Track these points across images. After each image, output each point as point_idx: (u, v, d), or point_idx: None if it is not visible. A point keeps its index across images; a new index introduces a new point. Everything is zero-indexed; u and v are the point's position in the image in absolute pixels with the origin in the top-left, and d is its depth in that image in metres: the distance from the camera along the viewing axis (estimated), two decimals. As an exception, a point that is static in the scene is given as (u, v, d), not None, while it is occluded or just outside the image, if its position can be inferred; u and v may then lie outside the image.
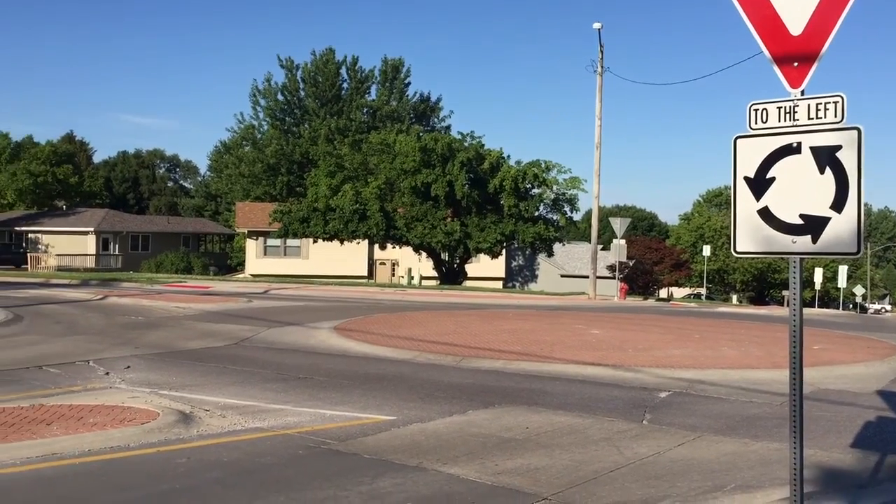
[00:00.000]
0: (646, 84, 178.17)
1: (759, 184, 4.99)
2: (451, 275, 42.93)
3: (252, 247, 54.75)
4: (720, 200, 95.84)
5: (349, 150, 43.94)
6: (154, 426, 7.71)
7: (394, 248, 46.30)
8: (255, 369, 11.69)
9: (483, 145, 41.77)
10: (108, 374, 11.02)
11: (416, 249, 42.13)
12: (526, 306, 26.67)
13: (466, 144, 41.28)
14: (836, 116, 4.74)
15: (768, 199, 4.95)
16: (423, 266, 47.55)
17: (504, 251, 47.17)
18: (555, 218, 41.99)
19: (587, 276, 38.15)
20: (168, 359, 12.60)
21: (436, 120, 73.50)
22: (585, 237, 79.67)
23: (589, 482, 6.34)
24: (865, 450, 7.58)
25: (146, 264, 54.42)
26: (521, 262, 63.98)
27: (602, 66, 34.43)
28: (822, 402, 10.06)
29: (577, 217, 47.36)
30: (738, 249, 5.13)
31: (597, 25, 33.54)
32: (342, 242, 42.15)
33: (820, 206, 4.77)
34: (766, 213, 4.96)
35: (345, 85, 71.13)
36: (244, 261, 57.55)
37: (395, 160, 40.05)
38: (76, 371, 11.26)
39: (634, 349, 14.34)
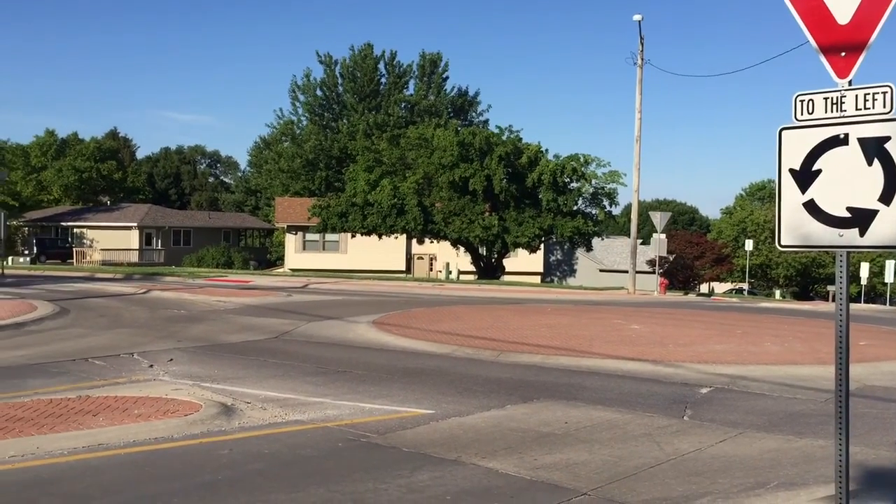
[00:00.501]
0: (687, 76, 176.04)
1: (805, 176, 4.90)
2: (488, 269, 42.86)
3: (291, 241, 55.23)
4: (763, 194, 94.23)
5: (387, 145, 44.00)
6: (197, 418, 7.83)
7: (432, 242, 46.40)
8: (295, 363, 11.80)
9: (521, 139, 41.60)
10: (151, 366, 11.22)
11: (454, 244, 42.11)
12: (564, 301, 26.54)
13: (504, 139, 41.12)
14: (884, 107, 4.63)
15: (814, 192, 4.86)
16: (461, 261, 47.54)
17: (542, 246, 46.92)
18: (594, 212, 41.65)
19: (626, 271, 37.80)
20: (210, 352, 12.77)
21: (474, 114, 73.39)
22: (625, 232, 78.97)
23: (629, 478, 6.29)
24: (914, 448, 7.42)
25: (188, 259, 55.24)
26: (559, 256, 63.70)
27: (642, 59, 34.04)
28: (868, 399, 9.87)
29: (616, 211, 46.87)
30: (783, 243, 5.05)
31: (637, 17, 33.14)
32: (380, 237, 42.30)
33: (868, 198, 4.66)
34: (811, 206, 4.87)
35: (383, 80, 71.35)
36: (284, 255, 58.09)
37: (433, 155, 40.06)
38: (121, 363, 11.48)
39: (675, 344, 14.20)
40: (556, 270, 63.32)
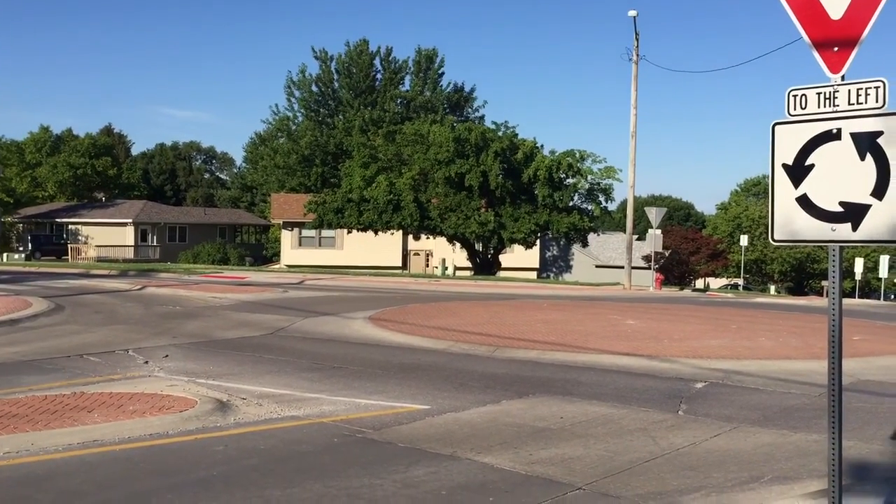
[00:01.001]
0: (682, 72, 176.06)
1: (798, 171, 4.91)
2: (485, 265, 42.90)
3: (287, 238, 55.20)
4: (758, 190, 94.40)
5: (383, 140, 43.98)
6: (192, 414, 7.83)
7: (428, 238, 46.34)
8: (291, 358, 11.81)
9: (517, 135, 41.63)
10: (146, 362, 11.21)
11: (450, 240, 42.14)
12: (560, 297, 26.57)
13: (500, 134, 41.14)
14: (877, 102, 4.65)
15: (807, 187, 4.88)
16: (458, 256, 47.57)
17: (538, 241, 46.97)
18: (589, 208, 41.70)
19: (622, 267, 37.88)
20: (205, 348, 12.77)
21: (469, 110, 73.32)
22: (620, 227, 79.06)
23: (624, 472, 6.31)
24: (907, 442, 7.45)
25: (183, 255, 55.19)
26: (555, 252, 63.72)
27: (637, 55, 34.06)
28: (862, 394, 9.91)
29: (612, 207, 46.88)
30: (776, 238, 5.06)
31: (632, 13, 33.16)
32: (376, 233, 42.31)
33: (860, 193, 4.68)
34: (804, 201, 4.88)
35: (378, 76, 71.28)
36: (280, 251, 58.06)
37: (428, 151, 40.06)
38: (116, 360, 11.47)
39: (670, 339, 14.23)
40: (553, 266, 63.36)
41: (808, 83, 4.91)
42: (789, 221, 4.96)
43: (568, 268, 63.45)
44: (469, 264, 44.44)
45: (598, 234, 50.84)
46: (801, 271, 69.36)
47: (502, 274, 43.57)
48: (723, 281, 68.80)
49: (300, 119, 72.13)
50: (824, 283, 61.37)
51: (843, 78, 4.79)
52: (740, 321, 18.33)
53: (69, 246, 57.58)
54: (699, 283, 63.52)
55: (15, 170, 70.73)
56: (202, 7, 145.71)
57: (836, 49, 4.78)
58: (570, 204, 40.42)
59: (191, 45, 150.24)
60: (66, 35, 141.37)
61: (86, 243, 58.71)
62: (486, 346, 13.12)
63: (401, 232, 45.26)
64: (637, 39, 34.12)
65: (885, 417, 8.62)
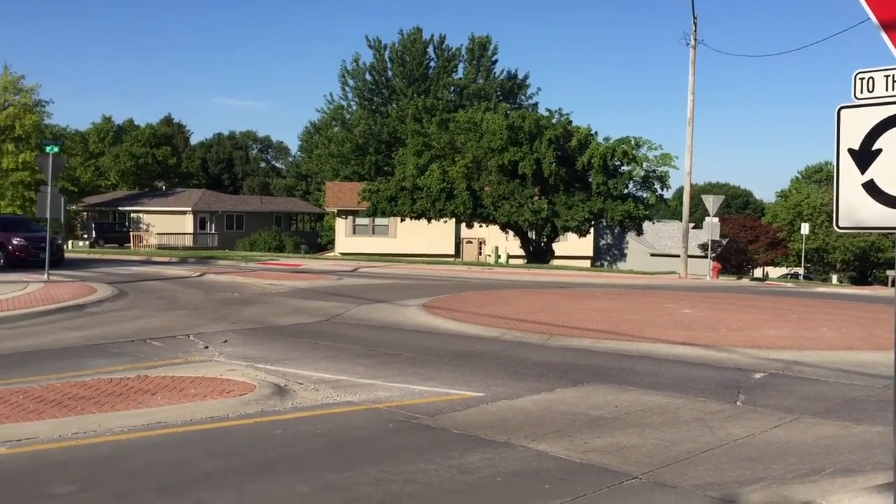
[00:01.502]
0: (742, 56, 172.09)
1: (865, 156, 4.78)
2: (538, 253, 42.70)
3: (341, 226, 55.70)
4: (820, 177, 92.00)
5: (436, 129, 43.96)
6: (251, 398, 7.99)
7: (481, 226, 46.31)
8: (346, 345, 11.95)
9: (571, 122, 41.21)
10: (206, 347, 11.46)
11: (503, 228, 42.03)
12: (614, 285, 26.33)
13: (554, 122, 40.79)
14: (949, 84, 4.49)
15: (874, 172, 4.74)
16: (510, 244, 47.42)
17: (592, 230, 46.52)
18: (644, 195, 41.09)
19: (678, 255, 37.34)
20: (263, 334, 13.00)
21: (523, 97, 72.84)
22: (676, 215, 77.88)
23: (680, 462, 6.25)
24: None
25: (240, 243, 56.16)
26: (609, 240, 63.10)
27: (695, 39, 33.41)
28: (930, 386, 9.61)
29: (667, 195, 46.14)
30: (840, 226, 4.94)
31: (689, -4, 32.49)
32: (429, 221, 42.41)
33: (931, 179, 4.54)
34: (871, 187, 4.75)
35: (432, 64, 71.25)
36: (334, 239, 58.62)
37: (482, 139, 39.95)
38: (177, 344, 11.75)
39: (728, 329, 14.00)
40: (606, 254, 62.76)
41: (877, 66, 4.77)
42: (855, 208, 4.83)
43: (622, 256, 62.79)
44: (522, 252, 44.28)
45: (654, 223, 50.02)
46: (865, 260, 67.49)
47: (555, 262, 43.31)
48: (782, 270, 67.32)
49: (354, 108, 72.58)
50: (889, 272, 59.62)
51: (912, 60, 4.64)
52: (801, 311, 17.93)
53: (131, 233, 59.04)
54: (757, 273, 62.26)
55: (79, 159, 72.63)
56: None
57: (906, 30, 4.63)
58: (625, 192, 39.90)
59: (247, 36, 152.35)
60: (127, 27, 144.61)
61: (147, 231, 60.13)
62: (540, 334, 13.08)
63: (454, 220, 45.28)
64: (695, 23, 33.49)
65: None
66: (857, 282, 61.22)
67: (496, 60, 71.92)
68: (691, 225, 37.69)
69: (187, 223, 61.16)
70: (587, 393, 8.87)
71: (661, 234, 63.50)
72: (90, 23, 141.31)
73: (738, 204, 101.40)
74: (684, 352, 11.71)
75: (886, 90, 4.71)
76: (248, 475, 5.80)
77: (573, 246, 49.83)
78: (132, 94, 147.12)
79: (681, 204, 37.60)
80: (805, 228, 53.76)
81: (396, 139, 63.04)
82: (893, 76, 4.70)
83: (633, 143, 39.23)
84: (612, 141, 39.70)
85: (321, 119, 78.32)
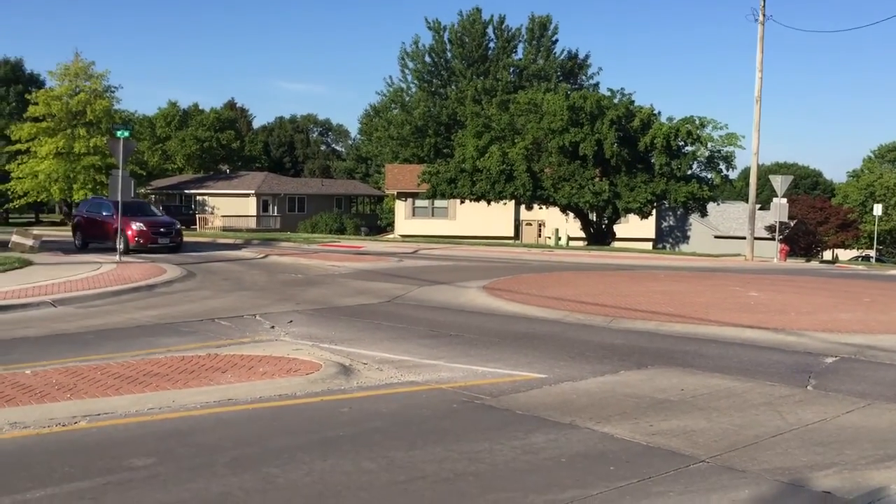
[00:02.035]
0: (813, 32, 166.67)
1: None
2: (598, 235, 42.27)
3: (401, 208, 56.03)
4: (894, 156, 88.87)
5: (496, 110, 43.76)
6: (317, 377, 8.14)
7: (540, 208, 46.01)
8: (408, 326, 12.05)
9: (633, 102, 40.52)
10: (273, 327, 11.69)
11: (563, 210, 41.69)
12: (677, 267, 25.93)
13: (616, 102, 40.16)
14: None
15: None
16: (570, 226, 47.05)
17: (654, 211, 45.78)
18: (709, 176, 40.23)
19: (743, 238, 36.49)
20: (327, 314, 13.19)
21: (584, 78, 71.96)
22: (742, 196, 76.23)
23: (749, 446, 6.15)
24: None
25: (302, 225, 56.99)
26: (671, 222, 62.11)
27: (764, 15, 32.47)
28: None
29: (733, 175, 45.02)
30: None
31: (757, -29, 31.59)
32: (489, 203, 42.34)
33: None
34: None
35: (491, 45, 70.84)
36: (393, 221, 59.03)
37: (542, 120, 39.61)
38: (245, 324, 12.02)
39: (797, 312, 13.68)
40: (669, 237, 61.80)
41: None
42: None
43: (685, 238, 61.77)
44: (582, 234, 43.90)
45: (718, 204, 48.83)
46: (941, 242, 65.05)
47: (617, 244, 42.82)
48: (853, 252, 65.37)
49: (413, 90, 72.69)
50: (967, 255, 57.33)
51: None
52: (873, 294, 17.41)
53: (197, 216, 60.45)
54: (827, 255, 60.60)
55: (147, 143, 74.50)
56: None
57: None
58: (689, 172, 39.11)
59: (307, 20, 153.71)
60: (191, 14, 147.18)
61: (212, 213, 61.48)
62: (603, 316, 12.98)
63: (513, 202, 45.08)
64: (763, -2, 32.49)
65: None
66: (932, 265, 59.04)
67: (556, 40, 71.21)
68: (758, 206, 36.83)
69: (250, 206, 62.29)
70: (652, 376, 8.79)
71: (727, 215, 62.21)
72: (157, 10, 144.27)
73: (806, 184, 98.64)
74: (752, 335, 11.48)
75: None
76: (315, 452, 5.91)
77: (634, 228, 49.20)
78: (197, 79, 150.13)
79: (747, 185, 36.72)
80: (878, 209, 52.05)
81: (456, 121, 62.98)
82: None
83: (697, 122, 38.40)
84: (675, 121, 38.91)
85: (381, 102, 78.70)
